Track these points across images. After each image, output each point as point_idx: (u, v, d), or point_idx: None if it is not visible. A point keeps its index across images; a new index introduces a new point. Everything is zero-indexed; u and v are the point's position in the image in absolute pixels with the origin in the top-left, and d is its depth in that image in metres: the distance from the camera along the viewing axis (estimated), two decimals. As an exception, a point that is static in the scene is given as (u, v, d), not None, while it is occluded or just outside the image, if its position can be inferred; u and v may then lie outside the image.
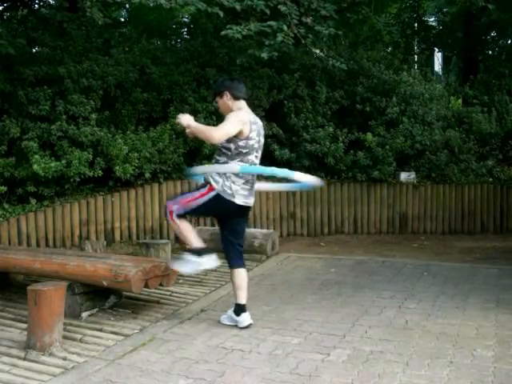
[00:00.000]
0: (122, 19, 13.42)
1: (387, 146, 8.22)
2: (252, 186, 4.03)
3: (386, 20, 12.76)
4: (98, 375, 3.25)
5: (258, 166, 4.05)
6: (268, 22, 6.41)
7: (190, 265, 4.01)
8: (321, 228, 8.26)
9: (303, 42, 6.71)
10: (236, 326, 4.03)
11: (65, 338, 3.75)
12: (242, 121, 3.88)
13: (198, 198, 3.95)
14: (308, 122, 8.31)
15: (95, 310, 4.40)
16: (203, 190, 3.95)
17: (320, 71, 8.99)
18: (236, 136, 3.87)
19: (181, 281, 5.32)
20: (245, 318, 4.01)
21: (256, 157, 4.02)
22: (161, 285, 4.42)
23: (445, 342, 3.70)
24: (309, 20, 6.75)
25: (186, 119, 3.95)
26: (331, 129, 8.23)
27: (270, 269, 5.94)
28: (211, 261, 4.02)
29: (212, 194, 3.91)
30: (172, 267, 4.25)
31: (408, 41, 13.54)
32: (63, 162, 6.54)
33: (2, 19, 9.55)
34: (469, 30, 11.47)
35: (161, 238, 7.20)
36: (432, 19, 14.22)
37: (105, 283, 4.19)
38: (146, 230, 7.28)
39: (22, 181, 6.58)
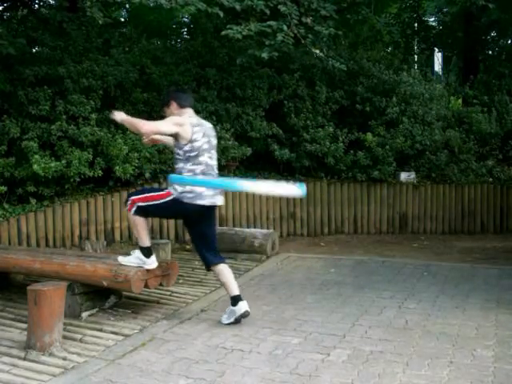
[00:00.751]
0: (122, 19, 13.40)
1: (387, 146, 8.22)
2: None
3: (385, 20, 12.72)
4: (98, 375, 3.25)
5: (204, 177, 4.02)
6: (268, 22, 6.40)
7: (136, 261, 4.19)
8: (321, 228, 8.25)
9: (303, 42, 6.69)
10: (236, 325, 4.04)
11: (65, 337, 3.76)
12: (178, 123, 3.94)
13: (156, 198, 4.05)
14: (308, 121, 8.31)
15: (95, 310, 4.41)
16: (162, 192, 4.07)
17: (320, 71, 8.99)
18: (179, 141, 3.96)
19: (181, 281, 5.33)
20: (241, 306, 4.07)
21: (210, 157, 4.09)
22: (161, 285, 4.43)
23: (445, 342, 3.70)
24: (309, 20, 6.74)
25: (118, 114, 4.01)
26: (331, 129, 8.23)
27: (269, 269, 5.94)
28: (154, 263, 4.22)
29: (169, 198, 4.01)
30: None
31: (408, 41, 13.51)
32: (63, 161, 6.53)
33: (2, 19, 9.53)
34: (469, 30, 11.45)
35: (161, 238, 7.19)
36: (432, 19, 14.19)
37: (105, 283, 4.19)
38: (146, 229, 7.26)
39: (22, 181, 6.57)
